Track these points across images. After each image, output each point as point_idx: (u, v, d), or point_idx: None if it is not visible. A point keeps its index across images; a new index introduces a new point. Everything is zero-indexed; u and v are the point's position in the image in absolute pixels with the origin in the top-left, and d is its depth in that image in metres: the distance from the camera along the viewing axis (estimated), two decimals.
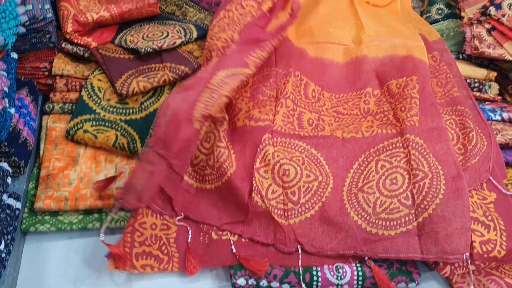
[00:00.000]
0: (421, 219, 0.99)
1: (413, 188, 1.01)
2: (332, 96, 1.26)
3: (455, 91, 1.23)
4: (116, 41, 1.30)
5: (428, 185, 1.01)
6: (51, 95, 1.22)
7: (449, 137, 1.10)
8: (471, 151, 1.08)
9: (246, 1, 1.28)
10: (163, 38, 1.27)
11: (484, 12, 1.37)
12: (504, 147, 1.19)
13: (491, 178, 1.08)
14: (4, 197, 0.96)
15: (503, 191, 1.06)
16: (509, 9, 1.33)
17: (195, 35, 1.32)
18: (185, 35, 1.31)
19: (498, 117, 1.25)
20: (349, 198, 1.04)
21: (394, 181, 1.03)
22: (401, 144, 1.08)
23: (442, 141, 1.08)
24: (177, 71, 1.22)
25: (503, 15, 1.33)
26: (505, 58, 1.32)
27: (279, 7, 1.23)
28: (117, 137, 1.14)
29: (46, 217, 1.06)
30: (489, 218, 1.01)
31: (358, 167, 1.08)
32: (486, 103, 1.33)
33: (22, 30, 1.06)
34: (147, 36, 1.29)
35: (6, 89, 0.98)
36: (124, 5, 1.31)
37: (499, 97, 1.35)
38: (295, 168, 1.04)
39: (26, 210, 1.06)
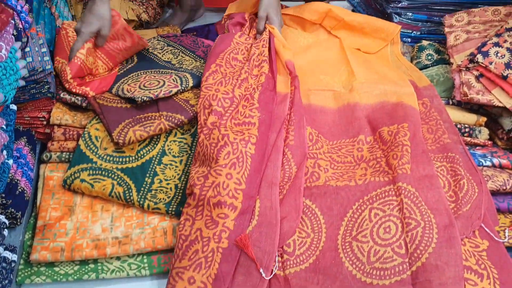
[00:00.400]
0: (415, 268, 1.00)
1: (406, 237, 1.02)
2: (327, 142, 1.29)
3: (445, 137, 1.26)
4: (114, 90, 1.33)
5: (421, 233, 1.02)
6: (49, 144, 1.24)
7: (441, 185, 1.12)
8: (462, 199, 1.10)
9: (233, 61, 1.34)
10: (160, 87, 1.31)
11: (472, 59, 1.41)
12: (495, 193, 1.20)
13: (483, 225, 1.09)
14: (0, 249, 0.97)
15: (496, 238, 1.07)
16: (496, 57, 1.37)
17: (191, 83, 1.35)
18: (181, 84, 1.34)
19: (488, 163, 1.27)
20: (343, 247, 1.05)
21: (388, 229, 1.04)
22: (393, 192, 1.10)
23: (433, 189, 1.10)
24: (173, 120, 1.25)
25: (491, 63, 1.36)
26: (494, 104, 1.35)
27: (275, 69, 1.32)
28: (113, 186, 1.16)
29: (42, 268, 1.06)
30: (482, 266, 1.01)
31: (352, 215, 1.09)
32: (477, 148, 1.36)
33: (22, 83, 1.09)
34: (144, 85, 1.32)
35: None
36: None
37: (489, 142, 1.38)
38: None
39: (22, 261, 1.07)
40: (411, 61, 1.65)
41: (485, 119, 1.40)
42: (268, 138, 1.20)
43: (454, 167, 1.18)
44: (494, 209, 1.15)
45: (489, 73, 1.37)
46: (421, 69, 1.59)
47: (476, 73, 1.39)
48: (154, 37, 1.66)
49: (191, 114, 1.27)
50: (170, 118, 1.24)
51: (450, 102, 1.46)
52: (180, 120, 1.25)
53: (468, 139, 1.36)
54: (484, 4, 1.66)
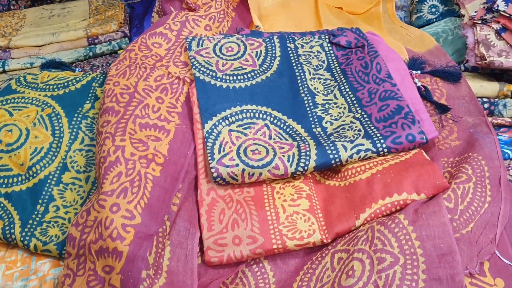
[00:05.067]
0: None
1: (378, 279, 0.67)
2: None
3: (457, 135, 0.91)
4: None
5: (399, 275, 0.67)
6: None
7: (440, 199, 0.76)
8: (462, 214, 0.74)
9: (154, 45, 0.98)
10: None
11: (490, 7, 1.02)
12: None
13: (497, 253, 0.73)
14: None
15: None
16: None
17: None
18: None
19: None
20: None
21: (350, 272, 0.69)
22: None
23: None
24: None
25: None
26: None
27: None
28: None
29: None
30: None
31: (309, 266, 0.74)
32: (501, 130, 0.99)
33: None
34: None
35: None
36: None
37: None
38: None
39: None
40: (411, 16, 1.27)
41: (511, 87, 1.02)
42: (186, 156, 0.85)
43: (461, 166, 0.82)
44: None
45: None
46: (423, 25, 1.21)
47: (496, 26, 1.01)
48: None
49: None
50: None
51: (463, 68, 1.08)
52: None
53: (489, 119, 0.99)
54: None
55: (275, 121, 0.89)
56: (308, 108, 0.92)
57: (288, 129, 0.89)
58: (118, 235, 0.68)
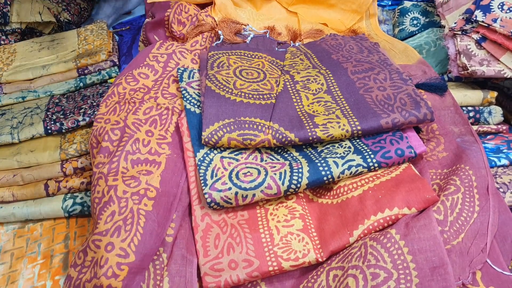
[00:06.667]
0: None
1: None
2: None
3: (443, 146, 0.92)
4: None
5: None
6: None
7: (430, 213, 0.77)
8: (452, 225, 0.75)
9: (140, 76, 1.00)
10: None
11: (468, 18, 1.04)
12: None
13: (489, 262, 0.74)
14: None
15: None
16: (502, 11, 1.01)
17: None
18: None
19: (504, 161, 0.91)
20: None
21: None
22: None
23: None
24: (282, 139, 0.93)
25: (495, 20, 1.00)
26: (506, 75, 0.99)
27: None
28: None
29: None
30: None
31: (306, 285, 0.75)
32: (487, 137, 1.01)
33: None
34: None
35: None
36: None
37: (504, 127, 1.02)
38: None
39: None
40: (393, 29, 1.29)
41: (495, 93, 1.04)
42: (179, 185, 0.86)
43: (449, 178, 0.83)
44: None
45: (494, 35, 1.01)
46: (406, 38, 1.23)
47: (476, 36, 1.03)
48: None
49: (308, 135, 0.89)
50: (279, 136, 0.88)
51: (446, 79, 1.10)
52: (290, 140, 0.88)
53: (475, 127, 1.00)
54: None
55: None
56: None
57: (279, 150, 0.90)
58: (113, 274, 0.69)
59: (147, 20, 1.27)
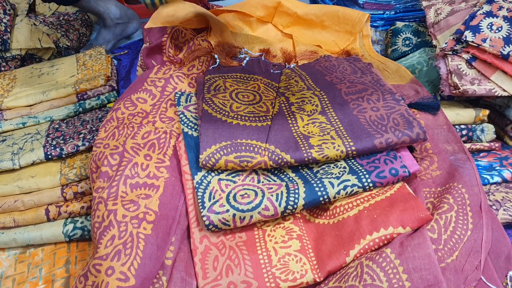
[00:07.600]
0: None
1: None
2: None
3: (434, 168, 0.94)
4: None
5: None
6: None
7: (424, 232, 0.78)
8: (446, 243, 0.76)
9: (139, 101, 1.02)
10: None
11: (459, 38, 1.07)
12: (510, 225, 0.86)
13: (483, 279, 0.75)
14: None
15: None
16: (491, 31, 1.03)
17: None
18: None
19: (497, 178, 0.93)
20: None
21: None
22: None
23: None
24: (279, 160, 0.90)
25: (484, 40, 1.03)
26: (496, 94, 1.01)
27: None
28: None
29: None
30: None
31: None
32: (481, 155, 1.02)
33: None
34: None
35: None
36: None
37: (497, 144, 1.04)
38: None
39: None
40: (386, 49, 1.32)
41: (487, 111, 1.06)
42: (177, 209, 0.88)
43: (443, 197, 0.85)
44: (509, 250, 0.80)
45: (484, 54, 1.03)
46: (398, 58, 1.26)
47: (466, 56, 1.05)
48: None
49: (304, 156, 0.90)
50: (276, 158, 0.89)
51: (439, 98, 1.12)
52: (286, 162, 0.90)
53: (468, 145, 1.02)
54: None
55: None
56: None
57: (276, 171, 0.92)
58: None
59: (144, 45, 1.30)
